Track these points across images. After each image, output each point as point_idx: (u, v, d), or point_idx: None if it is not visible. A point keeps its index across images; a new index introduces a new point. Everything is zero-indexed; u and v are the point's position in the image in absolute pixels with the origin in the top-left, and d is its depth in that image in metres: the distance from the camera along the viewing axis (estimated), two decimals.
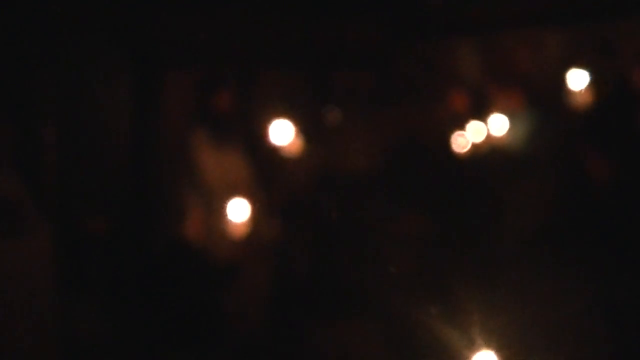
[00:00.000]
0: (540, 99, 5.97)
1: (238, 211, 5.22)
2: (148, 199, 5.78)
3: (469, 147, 5.97)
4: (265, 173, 5.83)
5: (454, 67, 6.70)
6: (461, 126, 6.11)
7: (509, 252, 3.89)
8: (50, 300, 5.15)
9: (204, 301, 5.37)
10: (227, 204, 5.37)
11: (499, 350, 3.01)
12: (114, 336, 5.26)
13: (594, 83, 5.84)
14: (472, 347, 3.10)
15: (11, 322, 5.04)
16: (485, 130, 5.96)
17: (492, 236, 4.54)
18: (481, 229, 4.77)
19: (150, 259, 5.46)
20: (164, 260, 5.38)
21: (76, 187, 5.65)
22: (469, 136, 5.99)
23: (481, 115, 6.05)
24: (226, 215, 5.21)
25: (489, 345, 3.07)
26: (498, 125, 5.87)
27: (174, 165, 5.69)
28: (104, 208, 5.74)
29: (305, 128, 5.83)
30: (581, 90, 5.90)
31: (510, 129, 5.74)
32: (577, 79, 5.98)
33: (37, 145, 5.49)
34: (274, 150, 5.66)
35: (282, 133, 5.57)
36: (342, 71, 6.52)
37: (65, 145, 5.57)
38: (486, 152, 5.79)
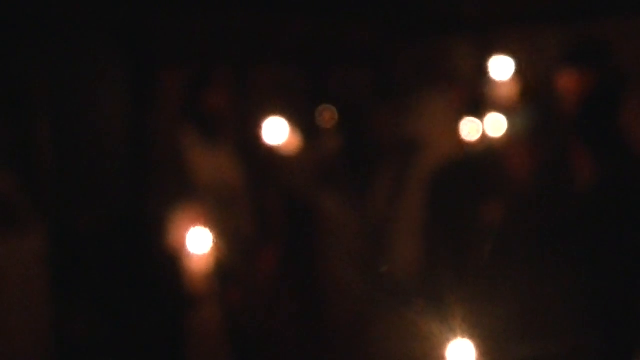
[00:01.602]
0: (537, 98, 5.95)
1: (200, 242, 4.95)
2: (143, 198, 5.75)
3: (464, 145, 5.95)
4: (259, 172, 5.81)
5: (450, 66, 6.68)
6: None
7: (493, 245, 3.88)
8: (44, 300, 5.13)
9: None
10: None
11: (477, 339, 3.03)
12: (108, 336, 5.25)
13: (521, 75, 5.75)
14: (450, 337, 3.13)
15: (5, 323, 5.02)
16: (480, 128, 5.93)
17: (476, 230, 4.52)
18: (466, 223, 4.75)
19: (145, 258, 5.44)
20: (159, 260, 5.36)
21: (71, 186, 5.63)
22: (464, 134, 5.97)
23: (478, 114, 6.03)
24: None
25: (467, 335, 3.09)
26: (495, 124, 5.85)
27: (167, 165, 5.67)
28: (99, 207, 5.72)
29: (300, 126, 5.80)
30: (505, 81, 5.83)
31: (506, 128, 5.72)
32: (501, 68, 5.85)
33: (31, 143, 5.46)
34: (268, 149, 5.62)
35: (277, 131, 5.53)
36: (338, 69, 6.51)
37: (59, 143, 5.54)
38: (481, 150, 5.78)
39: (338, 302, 5.85)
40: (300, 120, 5.85)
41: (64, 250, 5.28)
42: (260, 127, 5.52)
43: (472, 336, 3.04)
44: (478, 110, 6.05)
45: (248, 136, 5.82)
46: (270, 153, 5.63)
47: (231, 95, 5.84)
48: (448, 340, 3.05)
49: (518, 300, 2.86)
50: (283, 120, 5.49)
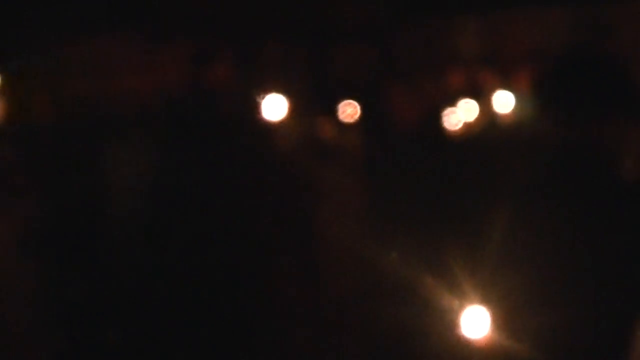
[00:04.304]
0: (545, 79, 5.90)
1: None
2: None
3: (460, 125, 5.93)
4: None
5: (456, 46, 6.65)
6: (454, 104, 6.06)
7: (503, 212, 3.84)
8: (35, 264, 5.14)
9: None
10: None
11: (490, 305, 3.01)
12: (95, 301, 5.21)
13: None
14: (463, 304, 3.11)
15: None
16: (477, 108, 5.92)
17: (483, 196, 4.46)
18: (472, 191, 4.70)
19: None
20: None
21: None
22: (460, 114, 5.95)
23: (479, 94, 6.01)
24: None
25: (481, 303, 3.08)
26: (502, 102, 5.83)
27: None
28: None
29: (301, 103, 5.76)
30: None
31: (514, 107, 5.70)
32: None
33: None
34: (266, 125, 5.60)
35: (276, 108, 5.52)
36: (341, 46, 6.46)
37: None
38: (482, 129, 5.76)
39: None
40: (302, 99, 5.82)
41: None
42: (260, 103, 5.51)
43: (486, 304, 3.02)
44: (477, 93, 6.04)
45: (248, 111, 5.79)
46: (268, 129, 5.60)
47: (233, 72, 5.81)
48: (462, 308, 3.03)
49: (534, 268, 2.84)
50: (282, 97, 5.49)
